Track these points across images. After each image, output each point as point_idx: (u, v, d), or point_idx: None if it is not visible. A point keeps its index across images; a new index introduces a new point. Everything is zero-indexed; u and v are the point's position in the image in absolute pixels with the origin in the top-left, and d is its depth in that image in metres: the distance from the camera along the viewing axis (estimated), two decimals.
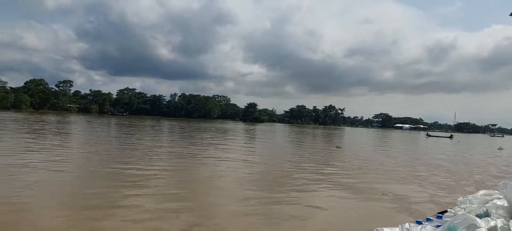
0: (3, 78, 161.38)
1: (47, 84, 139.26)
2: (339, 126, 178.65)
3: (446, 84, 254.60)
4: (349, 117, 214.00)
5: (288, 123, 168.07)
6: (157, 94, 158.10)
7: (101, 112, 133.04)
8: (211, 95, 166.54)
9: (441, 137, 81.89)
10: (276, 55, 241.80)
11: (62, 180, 10.64)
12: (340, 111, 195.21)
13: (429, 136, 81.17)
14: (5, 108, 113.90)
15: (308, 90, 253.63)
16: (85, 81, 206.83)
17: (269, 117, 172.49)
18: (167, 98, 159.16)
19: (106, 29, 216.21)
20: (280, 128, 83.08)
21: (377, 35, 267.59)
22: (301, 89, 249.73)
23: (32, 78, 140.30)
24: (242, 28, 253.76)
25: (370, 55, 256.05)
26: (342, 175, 14.09)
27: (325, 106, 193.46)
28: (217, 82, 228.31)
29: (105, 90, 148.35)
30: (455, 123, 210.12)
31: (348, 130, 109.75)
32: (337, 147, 29.76)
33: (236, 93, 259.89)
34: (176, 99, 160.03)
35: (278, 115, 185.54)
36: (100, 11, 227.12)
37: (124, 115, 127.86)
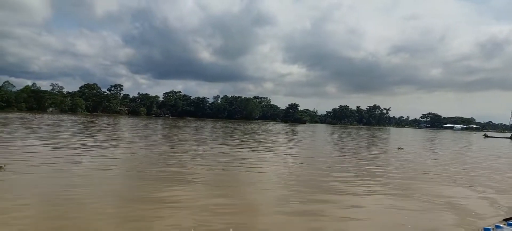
0: (59, 83, 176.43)
1: (100, 89, 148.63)
2: (384, 126, 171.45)
3: (500, 81, 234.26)
4: (394, 116, 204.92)
5: (331, 123, 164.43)
6: (199, 96, 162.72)
7: (149, 114, 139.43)
8: (251, 97, 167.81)
9: (500, 137, 75.18)
10: (316, 55, 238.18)
11: (113, 175, 11.23)
12: (385, 111, 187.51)
13: (487, 136, 74.82)
14: (63, 111, 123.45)
15: (350, 89, 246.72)
16: (131, 85, 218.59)
17: (311, 117, 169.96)
18: (210, 100, 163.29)
19: (151, 34, 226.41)
20: (323, 129, 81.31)
21: (424, 31, 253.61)
22: (342, 89, 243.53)
23: (84, 83, 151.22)
24: (281, 29, 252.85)
25: (415, 53, 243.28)
26: (430, 180, 13.05)
27: (369, 106, 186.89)
28: (256, 84, 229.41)
29: (150, 93, 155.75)
30: (511, 122, 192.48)
31: (394, 131, 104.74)
32: (399, 148, 28.18)
33: (275, 94, 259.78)
34: (218, 101, 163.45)
35: (320, 115, 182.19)
36: (145, 17, 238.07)
37: (167, 117, 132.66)
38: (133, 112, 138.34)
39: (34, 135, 24.30)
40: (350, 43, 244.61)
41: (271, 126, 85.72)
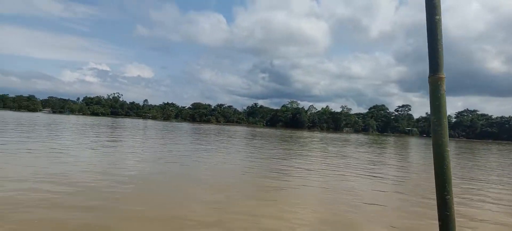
0: (347, 105, 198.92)
1: (388, 109, 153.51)
2: None
3: None
4: None
5: None
6: (503, 115, 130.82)
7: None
8: None
9: None
10: None
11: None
12: None
13: None
14: (356, 131, 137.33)
15: None
16: (401, 103, 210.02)
17: None
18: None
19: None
20: None
21: None
22: None
23: (356, 103, 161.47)
24: None
25: None
26: None
27: None
28: None
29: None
30: None
31: None
32: None
33: None
34: None
35: None
36: (420, 32, 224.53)
37: (460, 138, 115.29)
38: (424, 133, 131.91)
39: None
40: None
41: None
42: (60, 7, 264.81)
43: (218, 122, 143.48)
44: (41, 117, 77.37)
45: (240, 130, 70.94)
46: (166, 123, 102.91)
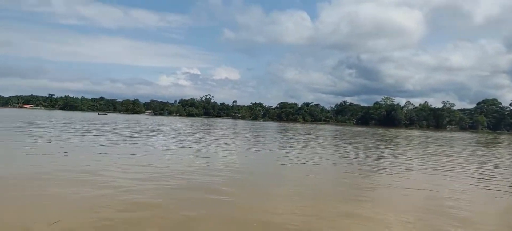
0: (430, 100, 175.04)
1: (501, 104, 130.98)
2: None
3: None
4: None
5: None
6: None
7: None
8: None
9: None
10: None
11: None
12: None
13: None
14: (462, 128, 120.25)
15: None
16: None
17: None
18: None
19: None
20: None
21: None
22: None
23: (457, 97, 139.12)
24: None
25: None
26: None
27: None
28: None
29: None
30: None
31: None
32: None
33: None
34: None
35: None
36: None
37: None
38: None
39: None
40: None
41: None
42: (156, 18, 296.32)
43: (305, 120, 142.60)
44: (150, 118, 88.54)
45: (329, 129, 69.07)
46: (255, 122, 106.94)
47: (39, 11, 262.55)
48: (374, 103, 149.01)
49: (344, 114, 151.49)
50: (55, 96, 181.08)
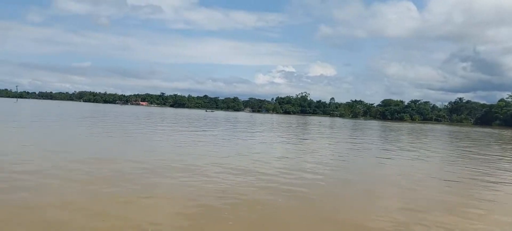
0: None
1: None
2: None
3: None
4: None
5: None
6: None
7: None
8: None
9: None
10: None
11: None
12: None
13: None
14: None
15: None
16: None
17: None
18: None
19: None
20: None
21: None
22: None
23: None
24: None
25: None
26: None
27: None
28: None
29: None
30: None
31: None
32: None
33: None
34: None
35: None
36: None
37: None
38: None
39: None
40: None
41: None
42: (254, 18, 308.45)
43: (412, 119, 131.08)
44: (253, 116, 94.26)
45: (447, 129, 62.58)
46: (355, 120, 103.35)
47: (154, 18, 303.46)
48: (499, 101, 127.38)
49: (459, 113, 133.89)
50: (166, 95, 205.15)
